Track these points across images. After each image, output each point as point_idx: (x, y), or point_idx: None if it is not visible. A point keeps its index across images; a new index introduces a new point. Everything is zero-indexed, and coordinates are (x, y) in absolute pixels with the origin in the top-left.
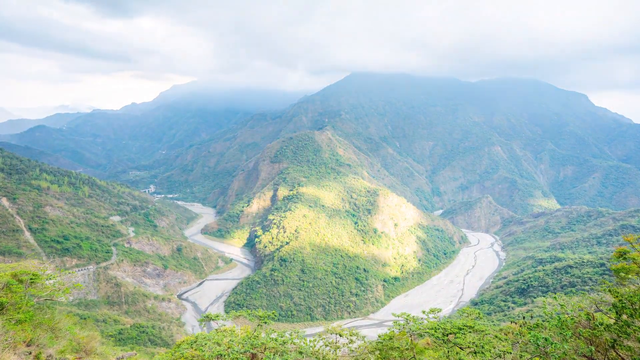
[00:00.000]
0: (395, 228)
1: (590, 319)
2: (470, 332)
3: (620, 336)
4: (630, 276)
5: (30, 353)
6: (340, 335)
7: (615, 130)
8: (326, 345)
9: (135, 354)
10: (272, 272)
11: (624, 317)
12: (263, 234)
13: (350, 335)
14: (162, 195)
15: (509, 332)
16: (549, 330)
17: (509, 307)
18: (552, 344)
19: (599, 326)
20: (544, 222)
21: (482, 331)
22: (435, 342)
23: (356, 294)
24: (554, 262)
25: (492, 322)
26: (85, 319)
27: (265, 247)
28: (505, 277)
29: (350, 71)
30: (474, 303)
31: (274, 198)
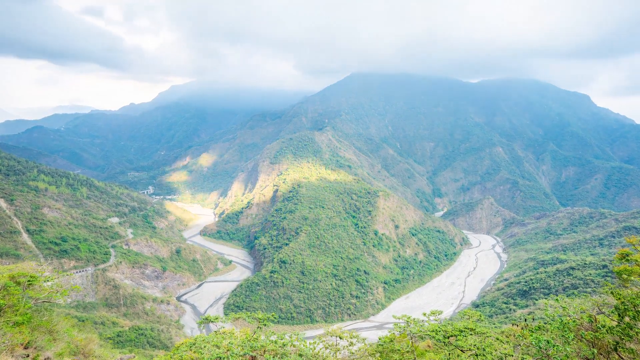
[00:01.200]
0: (395, 230)
1: (592, 321)
2: (471, 334)
3: (623, 338)
4: (632, 278)
5: (28, 355)
6: (341, 338)
7: (617, 131)
8: (326, 348)
9: (134, 357)
10: (272, 274)
11: (627, 319)
12: (262, 235)
13: (351, 338)
14: (161, 197)
15: (510, 335)
16: (551, 332)
17: (510, 309)
18: (554, 346)
19: (601, 328)
20: (546, 224)
21: (484, 333)
22: (436, 344)
23: (356, 296)
24: (555, 264)
25: (494, 324)
26: (83, 321)
27: (265, 248)
28: (506, 279)
29: (350, 71)
30: (475, 305)
31: (273, 199)
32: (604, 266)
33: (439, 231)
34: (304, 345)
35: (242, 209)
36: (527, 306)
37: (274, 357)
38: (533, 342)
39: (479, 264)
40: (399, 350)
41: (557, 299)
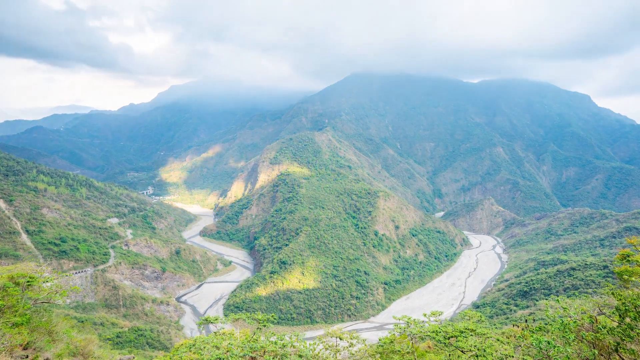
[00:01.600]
0: (396, 230)
1: (593, 322)
2: (472, 335)
3: (624, 339)
4: (633, 279)
5: (27, 356)
6: (341, 339)
7: (618, 131)
8: (326, 349)
9: (134, 358)
10: (272, 275)
11: (628, 320)
12: (262, 236)
13: (351, 339)
14: (161, 197)
15: (511, 336)
16: (552, 333)
17: (511, 310)
18: (554, 347)
19: (602, 329)
20: (547, 224)
21: (484, 334)
22: (436, 345)
23: (357, 297)
24: (556, 265)
25: (494, 325)
26: (82, 322)
27: (265, 249)
28: (507, 280)
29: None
30: (476, 306)
31: (273, 200)
32: (605, 267)
33: (439, 232)
34: (303, 346)
35: (242, 209)
36: (527, 307)
37: (273, 358)
38: (533, 343)
39: (480, 265)
40: (399, 351)
41: (557, 300)
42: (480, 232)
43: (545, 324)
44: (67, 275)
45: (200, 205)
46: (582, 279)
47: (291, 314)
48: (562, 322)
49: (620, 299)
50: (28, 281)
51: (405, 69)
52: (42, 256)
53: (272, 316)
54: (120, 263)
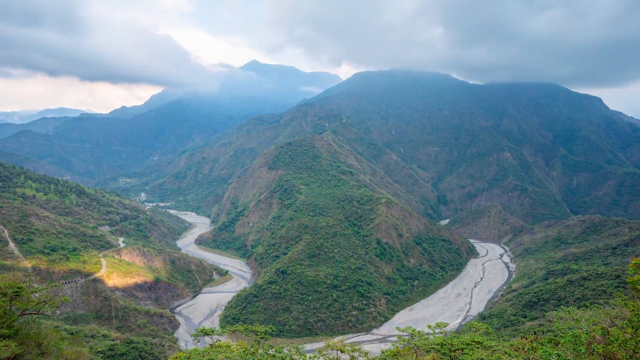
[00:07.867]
0: (399, 238)
1: (605, 334)
2: (478, 348)
3: (637, 352)
4: None
5: None
6: (342, 351)
7: (630, 135)
8: None
9: None
10: (270, 285)
11: None
12: (260, 244)
13: (352, 351)
14: (154, 204)
15: (519, 348)
16: (562, 345)
17: (519, 322)
18: None
19: (614, 341)
20: (556, 232)
21: (491, 347)
22: (441, 358)
23: (358, 308)
24: (566, 274)
25: (502, 337)
26: (73, 334)
27: (262, 258)
28: (515, 290)
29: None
30: (483, 317)
31: (271, 206)
32: (617, 276)
33: (444, 240)
34: (303, 359)
35: (239, 216)
36: (536, 318)
37: None
38: (543, 356)
39: (486, 274)
40: None
41: (568, 311)
42: (487, 240)
43: (555, 336)
44: (56, 286)
45: (195, 213)
46: (594, 289)
47: (290, 326)
48: (573, 334)
49: (633, 310)
50: (16, 291)
51: (407, 69)
52: (30, 266)
53: (271, 328)
54: (112, 273)
